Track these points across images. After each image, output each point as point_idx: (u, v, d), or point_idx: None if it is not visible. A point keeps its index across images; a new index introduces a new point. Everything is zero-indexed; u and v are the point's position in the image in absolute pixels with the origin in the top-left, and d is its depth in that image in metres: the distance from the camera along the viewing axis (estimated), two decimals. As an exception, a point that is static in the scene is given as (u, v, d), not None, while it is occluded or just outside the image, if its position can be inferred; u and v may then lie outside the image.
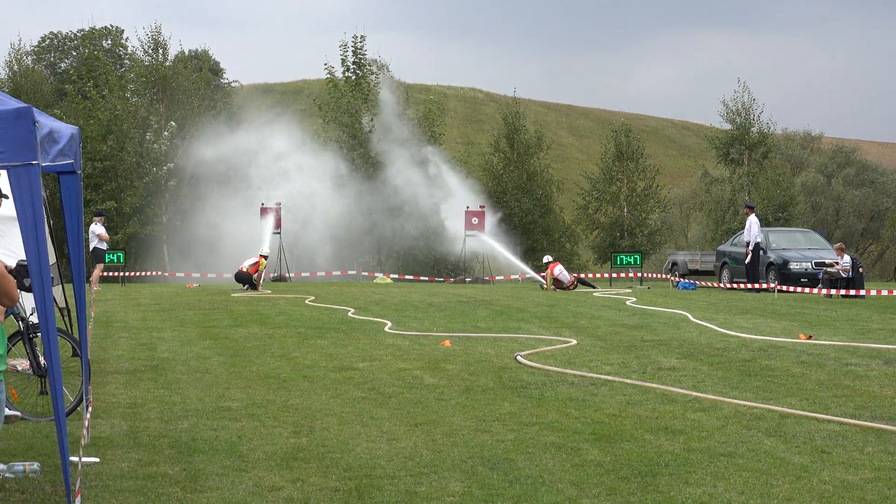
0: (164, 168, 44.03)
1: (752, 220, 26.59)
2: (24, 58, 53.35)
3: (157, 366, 11.77)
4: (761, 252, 26.98)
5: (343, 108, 44.98)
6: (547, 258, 28.39)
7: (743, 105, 48.77)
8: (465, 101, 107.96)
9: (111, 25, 73.88)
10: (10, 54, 51.52)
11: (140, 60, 48.45)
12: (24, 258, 5.35)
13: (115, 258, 31.53)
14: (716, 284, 28.95)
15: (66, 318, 10.93)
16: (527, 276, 35.05)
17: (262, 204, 34.88)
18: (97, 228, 24.65)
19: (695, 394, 9.85)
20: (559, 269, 26.79)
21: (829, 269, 24.76)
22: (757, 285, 25.73)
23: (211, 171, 43.20)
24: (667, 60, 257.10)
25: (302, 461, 7.29)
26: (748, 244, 26.39)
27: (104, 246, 24.94)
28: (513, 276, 36.82)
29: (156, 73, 46.50)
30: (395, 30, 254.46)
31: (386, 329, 15.53)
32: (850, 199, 65.74)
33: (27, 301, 8.78)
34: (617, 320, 16.95)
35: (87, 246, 24.94)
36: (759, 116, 49.02)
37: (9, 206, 8.88)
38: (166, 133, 44.30)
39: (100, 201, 42.19)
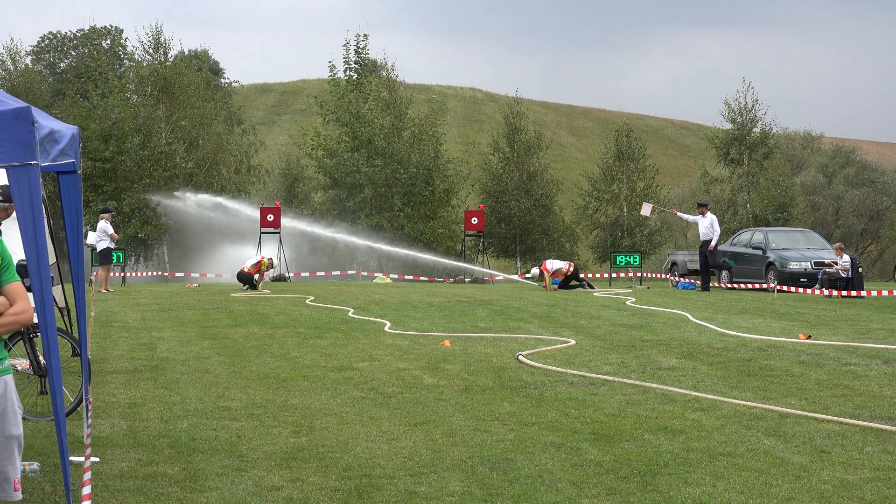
0: (176, 175, 43.92)
1: (714, 217, 26.54)
2: (23, 58, 53.24)
3: (157, 366, 11.77)
4: (760, 251, 26.99)
5: (344, 107, 44.94)
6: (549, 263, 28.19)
7: (745, 105, 48.73)
8: (464, 101, 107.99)
9: (110, 25, 74.02)
10: (3, 54, 51.38)
11: (140, 61, 48.32)
12: (24, 258, 5.35)
13: (115, 258, 31.46)
14: (715, 284, 28.95)
15: (66, 318, 10.94)
16: (496, 276, 35.10)
17: (262, 203, 34.82)
18: (105, 226, 24.53)
19: (694, 393, 9.85)
20: (550, 264, 26.42)
21: (828, 269, 24.75)
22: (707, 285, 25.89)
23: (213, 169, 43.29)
24: (667, 60, 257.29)
25: (301, 461, 7.29)
26: (708, 242, 26.09)
27: (112, 245, 24.90)
28: (512, 276, 36.81)
29: (157, 74, 46.35)
30: (395, 30, 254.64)
31: (385, 329, 15.53)
32: (849, 199, 65.76)
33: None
34: (616, 320, 16.95)
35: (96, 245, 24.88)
36: (762, 116, 49.05)
37: (8, 206, 8.89)
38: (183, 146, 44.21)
39: (100, 202, 42.13)
